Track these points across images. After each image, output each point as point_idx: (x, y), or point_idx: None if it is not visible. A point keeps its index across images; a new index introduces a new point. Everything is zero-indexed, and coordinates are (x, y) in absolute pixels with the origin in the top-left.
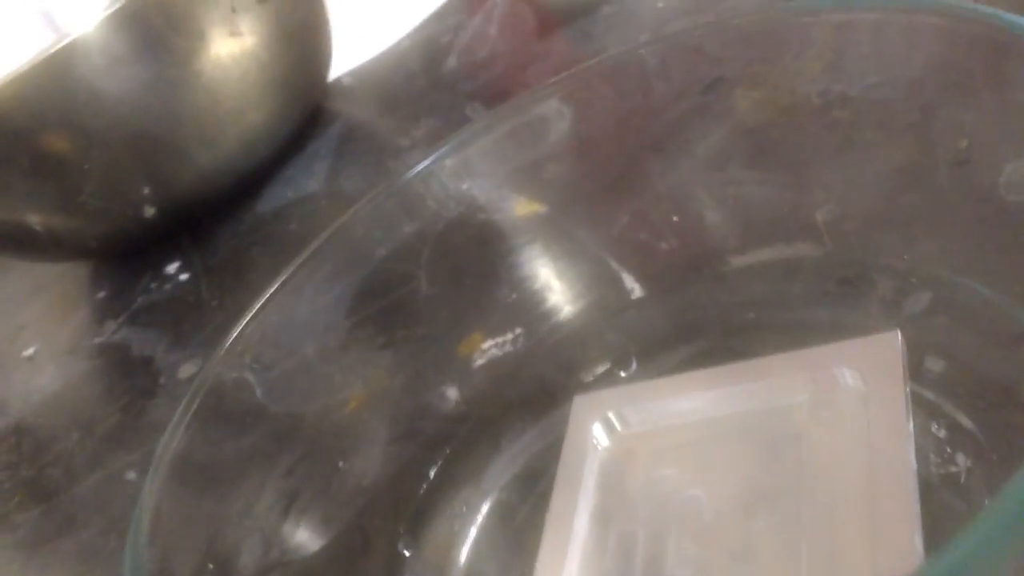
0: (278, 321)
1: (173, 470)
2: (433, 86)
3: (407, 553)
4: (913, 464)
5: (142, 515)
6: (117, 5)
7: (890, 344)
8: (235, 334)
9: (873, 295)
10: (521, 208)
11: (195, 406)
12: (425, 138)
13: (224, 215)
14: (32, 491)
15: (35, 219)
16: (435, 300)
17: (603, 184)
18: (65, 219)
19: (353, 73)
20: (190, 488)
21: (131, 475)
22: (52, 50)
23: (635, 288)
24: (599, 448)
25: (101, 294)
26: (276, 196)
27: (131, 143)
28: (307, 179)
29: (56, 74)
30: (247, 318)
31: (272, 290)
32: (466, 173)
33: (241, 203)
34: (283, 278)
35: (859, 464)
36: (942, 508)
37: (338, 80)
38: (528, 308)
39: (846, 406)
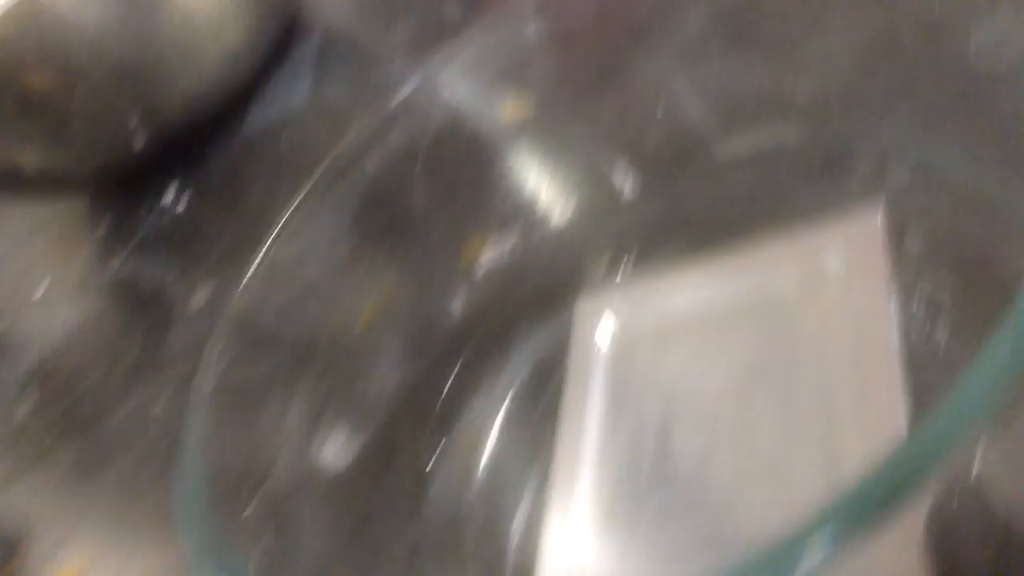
0: (288, 250)
1: (210, 400)
2: None
3: (431, 465)
4: (896, 340)
5: (188, 444)
6: None
7: (871, 224)
8: (251, 270)
9: (855, 174)
10: (508, 112)
11: (223, 341)
12: (405, 44)
13: (213, 139)
14: (65, 429)
15: (27, 159)
16: (433, 212)
17: (586, 80)
18: (56, 157)
19: None
20: (226, 415)
21: (158, 407)
22: None
23: (626, 184)
24: (603, 347)
25: (101, 230)
26: (262, 115)
27: (114, 74)
28: (291, 96)
29: (32, 13)
30: (261, 253)
31: (280, 225)
32: (450, 82)
33: (228, 125)
34: (289, 211)
35: (847, 342)
36: (923, 382)
37: None
38: (524, 213)
39: (832, 287)
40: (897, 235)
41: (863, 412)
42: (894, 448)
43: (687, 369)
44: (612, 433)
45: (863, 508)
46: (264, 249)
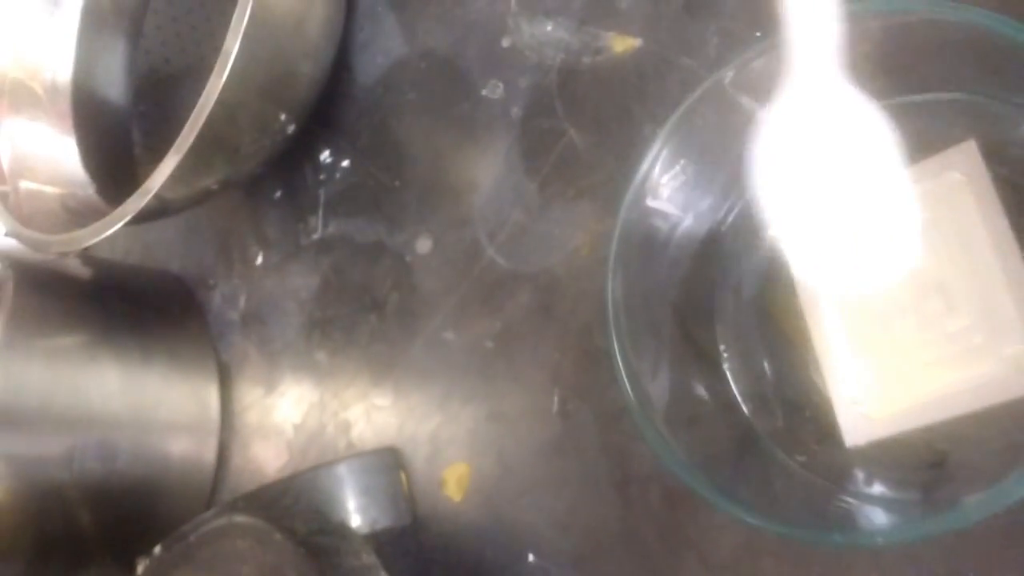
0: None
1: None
2: None
3: (724, 350)
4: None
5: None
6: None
7: (970, 150)
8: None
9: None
10: (619, 44)
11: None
12: None
13: (337, 96)
14: (373, 366)
15: (211, 182)
16: (593, 148)
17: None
18: (233, 171)
19: None
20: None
21: (449, 335)
22: (223, 78)
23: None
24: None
25: (278, 194)
26: (368, 64)
27: (263, 94)
28: (384, 39)
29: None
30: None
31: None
32: (542, 14)
33: (343, 79)
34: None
35: (979, 230)
36: None
37: None
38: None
39: (960, 197)
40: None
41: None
42: None
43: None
44: (847, 315)
45: None
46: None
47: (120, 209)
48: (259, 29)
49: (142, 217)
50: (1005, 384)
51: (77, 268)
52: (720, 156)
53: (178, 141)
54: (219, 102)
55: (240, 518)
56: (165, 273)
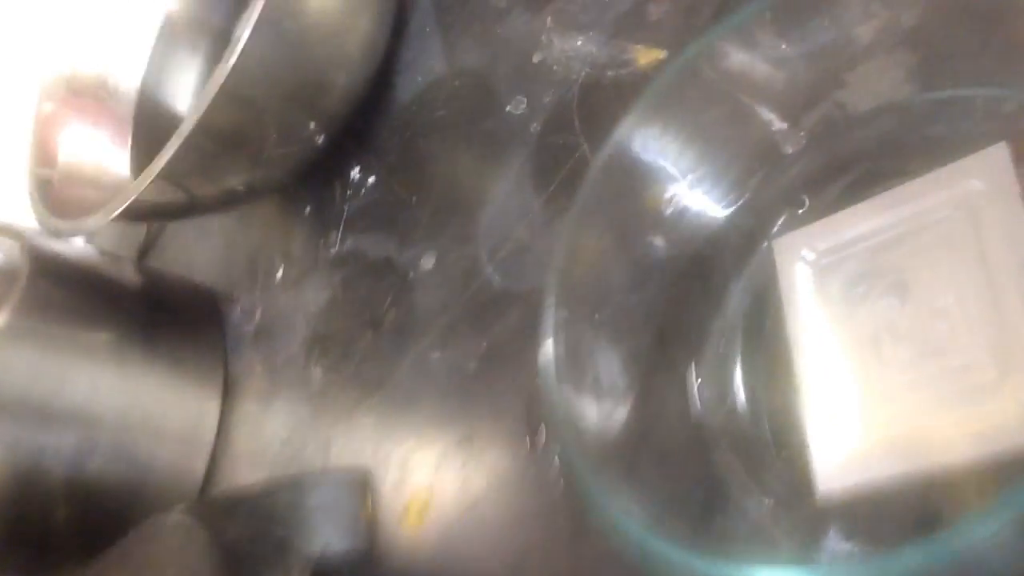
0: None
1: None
2: None
3: (698, 380)
4: None
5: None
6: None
7: (1000, 154)
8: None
9: (974, 106)
10: (643, 57)
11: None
12: None
13: (373, 112)
14: (362, 384)
15: (236, 182)
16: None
17: (708, 20)
18: (259, 174)
19: None
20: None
21: (436, 355)
22: (229, 65)
23: (773, 120)
24: (806, 279)
25: (307, 210)
26: (409, 83)
27: (290, 99)
28: (428, 60)
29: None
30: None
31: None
32: (575, 29)
33: (383, 97)
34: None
35: (1000, 247)
36: None
37: None
38: (690, 157)
39: (981, 208)
40: (1020, 158)
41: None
42: None
43: (880, 286)
44: (833, 334)
45: None
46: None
47: (127, 190)
48: (286, 30)
49: (172, 212)
50: (1017, 431)
51: (103, 264)
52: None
53: (183, 123)
54: (231, 94)
55: (173, 518)
56: (194, 284)
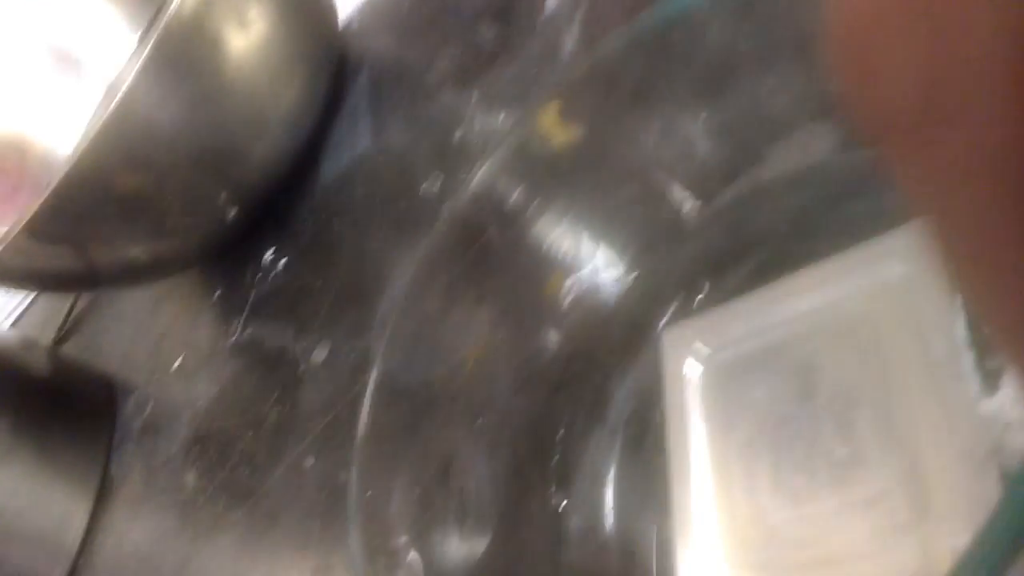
0: (401, 315)
1: (363, 460)
2: (439, 9)
3: (563, 504)
4: (965, 337)
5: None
6: (143, 51)
7: (928, 230)
8: (384, 346)
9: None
10: (561, 134)
11: (369, 408)
12: (450, 71)
13: (296, 191)
14: (232, 492)
15: (136, 252)
16: (508, 246)
17: (626, 97)
18: (163, 244)
19: (359, 13)
20: (374, 469)
21: (309, 462)
22: (108, 112)
23: (684, 200)
24: (694, 378)
25: (217, 293)
26: (335, 162)
27: (196, 162)
28: (356, 138)
29: (118, 131)
30: (387, 330)
31: (401, 300)
32: (499, 104)
33: (307, 175)
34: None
35: (921, 348)
36: (997, 370)
37: (347, 26)
38: (594, 240)
39: (900, 296)
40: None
41: (946, 412)
42: None
43: (778, 391)
44: (718, 456)
45: None
46: (394, 315)
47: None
48: (185, 84)
49: (75, 282)
50: None
51: (12, 350)
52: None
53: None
54: (119, 148)
55: None
56: (96, 374)
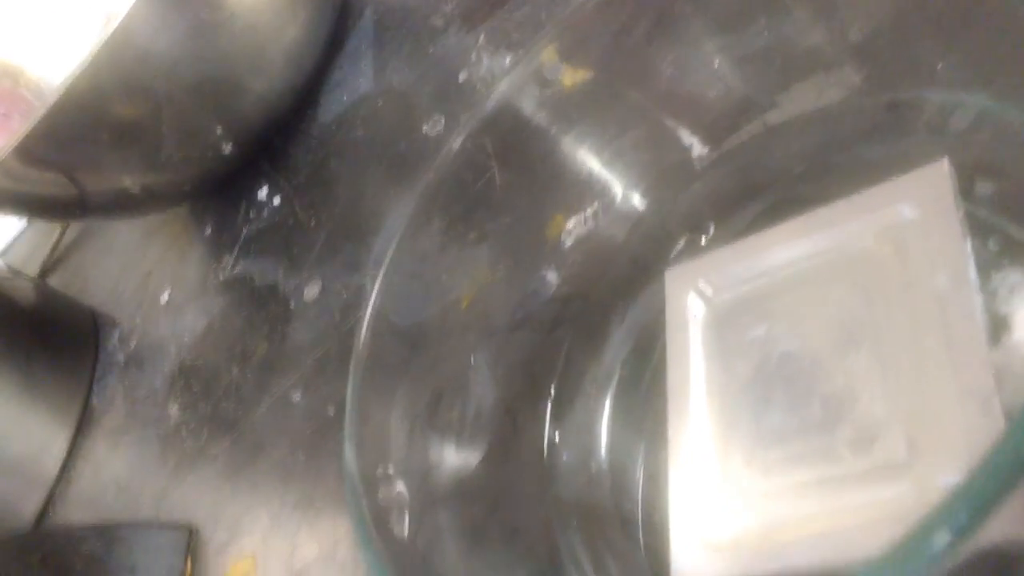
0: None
1: (357, 398)
2: None
3: (557, 437)
4: (975, 281)
5: (349, 433)
6: None
7: (940, 173)
8: (379, 281)
9: (920, 120)
10: (568, 78)
11: (365, 354)
12: (457, 12)
13: (293, 131)
14: (216, 425)
15: (130, 181)
16: (510, 188)
17: (640, 37)
18: (156, 176)
19: None
20: (370, 401)
21: (296, 396)
22: (105, 37)
23: (694, 144)
24: (698, 313)
25: (208, 230)
26: (334, 102)
27: (194, 93)
28: (357, 79)
29: (112, 52)
30: (383, 266)
31: (398, 236)
32: (505, 47)
33: (305, 115)
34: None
35: (928, 286)
36: (1004, 318)
37: None
38: (600, 181)
39: (910, 239)
40: (967, 175)
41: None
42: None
43: (778, 333)
44: (716, 392)
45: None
46: (391, 251)
47: None
48: (188, 14)
49: (64, 209)
50: None
51: None
52: None
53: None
54: (116, 73)
55: None
56: (79, 306)
